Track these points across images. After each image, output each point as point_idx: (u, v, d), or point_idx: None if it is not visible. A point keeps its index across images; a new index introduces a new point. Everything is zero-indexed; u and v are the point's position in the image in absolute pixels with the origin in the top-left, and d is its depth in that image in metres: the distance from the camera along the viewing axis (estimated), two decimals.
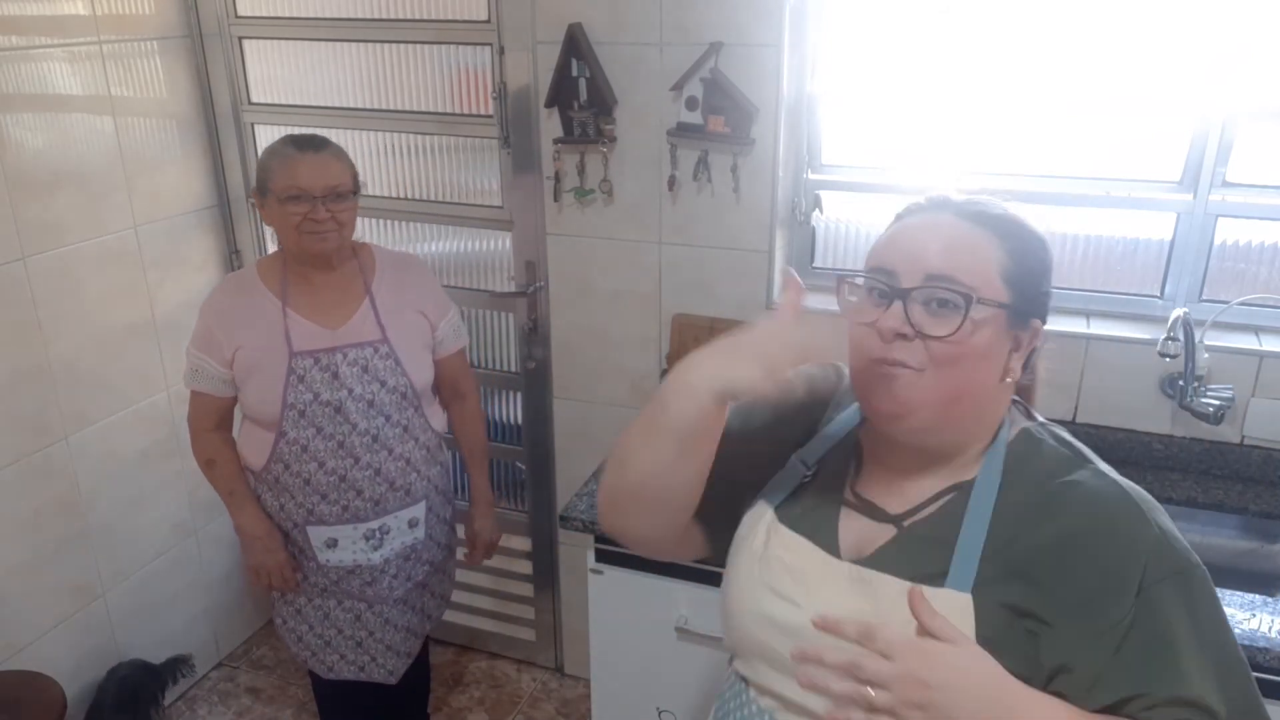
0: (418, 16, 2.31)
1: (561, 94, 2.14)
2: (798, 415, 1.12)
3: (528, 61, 2.17)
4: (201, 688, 2.74)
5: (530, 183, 2.28)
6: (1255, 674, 1.44)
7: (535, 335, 2.43)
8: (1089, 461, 0.99)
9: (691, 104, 2.05)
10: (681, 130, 2.08)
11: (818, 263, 2.25)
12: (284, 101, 2.54)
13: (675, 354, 2.25)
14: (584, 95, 2.12)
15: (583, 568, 1.93)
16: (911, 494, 1.02)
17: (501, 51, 2.21)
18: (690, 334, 2.21)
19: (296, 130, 2.04)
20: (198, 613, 2.72)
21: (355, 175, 1.89)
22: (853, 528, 1.03)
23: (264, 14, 2.46)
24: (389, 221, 2.55)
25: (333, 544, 1.98)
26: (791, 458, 1.10)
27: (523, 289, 2.39)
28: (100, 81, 2.26)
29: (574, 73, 2.10)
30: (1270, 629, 1.48)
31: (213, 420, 1.98)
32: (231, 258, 2.66)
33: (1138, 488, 0.98)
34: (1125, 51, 1.88)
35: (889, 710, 0.88)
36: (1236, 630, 1.46)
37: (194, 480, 2.63)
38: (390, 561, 2.01)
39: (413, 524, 2.02)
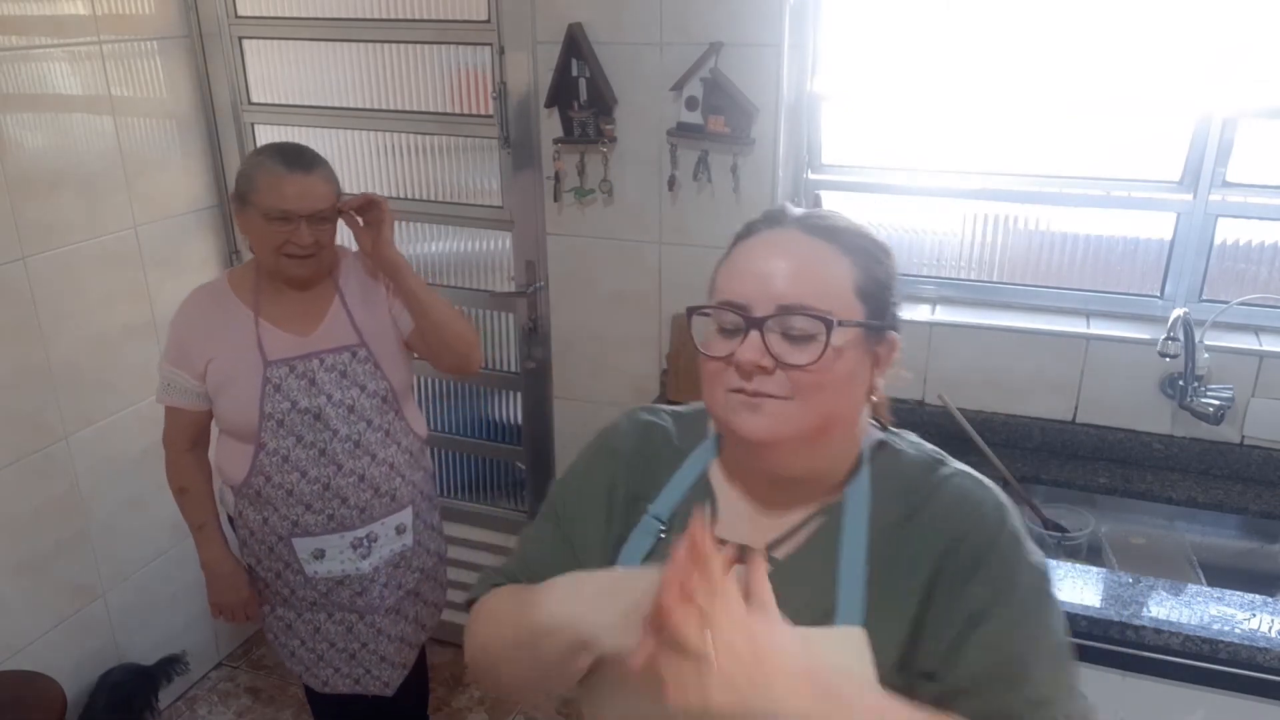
0: (418, 16, 2.31)
1: (561, 94, 2.14)
2: (638, 472, 1.05)
3: (528, 61, 2.17)
4: (201, 688, 2.74)
5: (530, 183, 2.28)
6: (1255, 674, 1.45)
7: (535, 335, 2.43)
8: (945, 463, 0.97)
9: (691, 104, 2.05)
10: (681, 130, 2.08)
11: None
12: (284, 101, 2.54)
13: (675, 354, 2.24)
14: (584, 95, 2.12)
15: None
16: (777, 525, 0.97)
17: (501, 51, 2.21)
18: (690, 334, 2.21)
19: (286, 136, 2.05)
20: (198, 613, 2.72)
21: (339, 194, 1.83)
22: None
23: (264, 14, 2.46)
24: None
25: (320, 555, 1.92)
26: (645, 517, 1.01)
27: (523, 289, 2.39)
28: (100, 81, 2.26)
29: (574, 73, 2.10)
30: (1270, 629, 1.48)
31: (188, 438, 1.94)
32: (231, 257, 2.66)
33: (994, 486, 0.97)
34: (1125, 51, 1.88)
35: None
36: (1236, 630, 1.46)
37: None
38: (380, 570, 1.96)
39: (400, 530, 1.98)
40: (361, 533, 1.92)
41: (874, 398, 0.96)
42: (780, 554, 0.96)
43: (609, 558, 1.03)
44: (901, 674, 0.90)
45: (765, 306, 0.89)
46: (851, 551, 0.92)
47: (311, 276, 1.83)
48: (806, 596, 0.91)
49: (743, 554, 0.89)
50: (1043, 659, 0.89)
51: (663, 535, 1.00)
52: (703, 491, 1.02)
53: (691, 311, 0.96)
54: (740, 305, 0.90)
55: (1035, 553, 0.93)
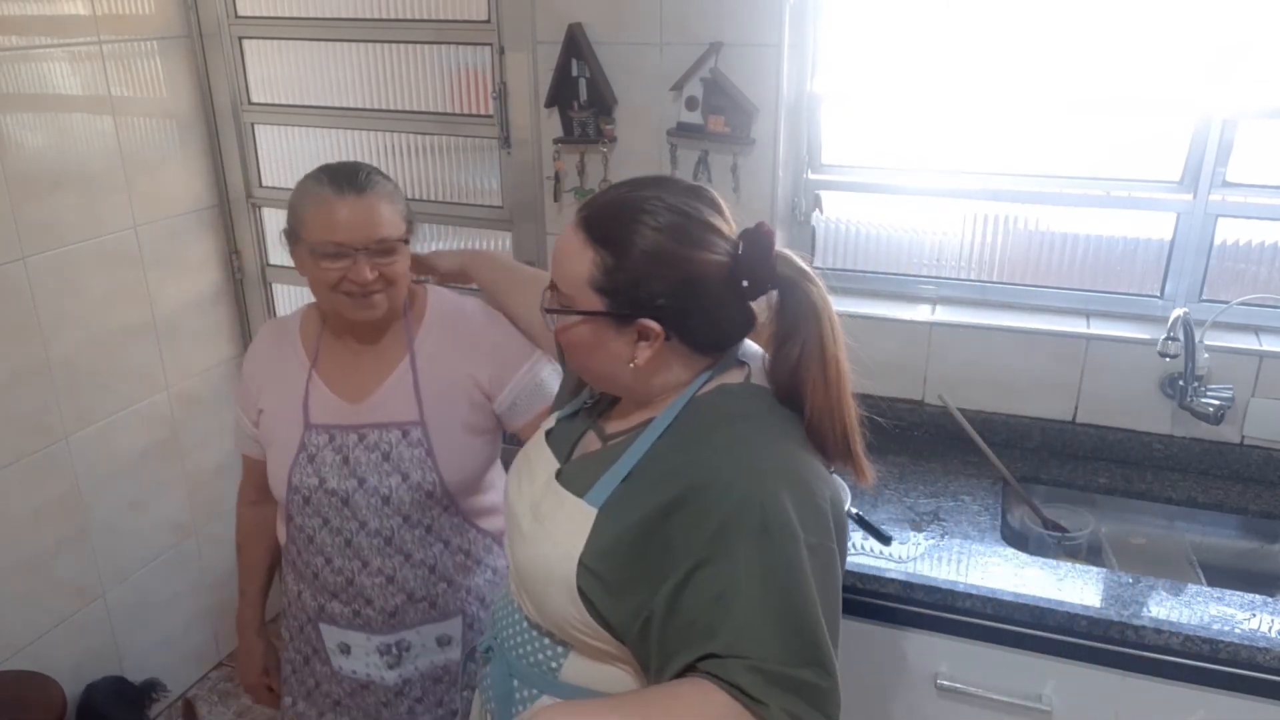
0: (418, 16, 2.31)
1: (561, 94, 2.14)
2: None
3: (528, 61, 2.17)
4: (201, 687, 2.74)
5: (530, 183, 2.28)
6: (1255, 674, 1.45)
7: None
8: (751, 420, 1.09)
9: (691, 104, 2.05)
10: (681, 130, 2.08)
11: (818, 262, 2.22)
12: (284, 101, 2.54)
13: None
14: (584, 95, 2.12)
15: None
16: (626, 421, 1.17)
17: (501, 51, 2.21)
18: None
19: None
20: (198, 612, 2.72)
21: (408, 218, 1.53)
22: (585, 444, 1.21)
23: (264, 14, 2.46)
24: None
25: (345, 649, 1.63)
26: (585, 388, 1.27)
27: None
28: (100, 81, 2.26)
29: (574, 73, 2.10)
30: (1270, 629, 1.48)
31: (252, 488, 1.73)
32: (232, 258, 2.66)
33: (778, 457, 1.06)
34: (1125, 51, 1.88)
35: None
36: (1236, 630, 1.46)
37: (194, 480, 2.64)
38: (412, 683, 1.62)
39: (444, 642, 1.63)
40: (390, 639, 1.60)
41: (633, 363, 1.10)
42: (611, 441, 1.17)
43: (556, 405, 1.33)
44: (614, 597, 1.05)
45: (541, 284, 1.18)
46: (630, 455, 1.10)
47: (380, 322, 1.53)
48: (594, 473, 1.12)
49: (600, 434, 1.21)
50: (750, 615, 0.96)
51: (586, 405, 1.27)
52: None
53: None
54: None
55: (784, 521, 0.99)
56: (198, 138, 2.54)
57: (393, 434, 1.52)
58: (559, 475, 1.18)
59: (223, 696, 2.71)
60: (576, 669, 1.15)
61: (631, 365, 1.10)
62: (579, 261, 1.08)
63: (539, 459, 1.23)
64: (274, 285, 2.73)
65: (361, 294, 1.45)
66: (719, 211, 1.14)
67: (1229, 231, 1.94)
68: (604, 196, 1.12)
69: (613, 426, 1.19)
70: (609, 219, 1.09)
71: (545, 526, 1.13)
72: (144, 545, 2.52)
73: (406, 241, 1.51)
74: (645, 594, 1.02)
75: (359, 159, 1.60)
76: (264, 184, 2.61)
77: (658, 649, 1.02)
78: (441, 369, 1.55)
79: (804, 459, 1.08)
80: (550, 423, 1.29)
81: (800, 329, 1.10)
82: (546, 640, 1.17)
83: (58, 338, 2.22)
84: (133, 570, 2.50)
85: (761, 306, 1.14)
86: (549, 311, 1.12)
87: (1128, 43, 1.87)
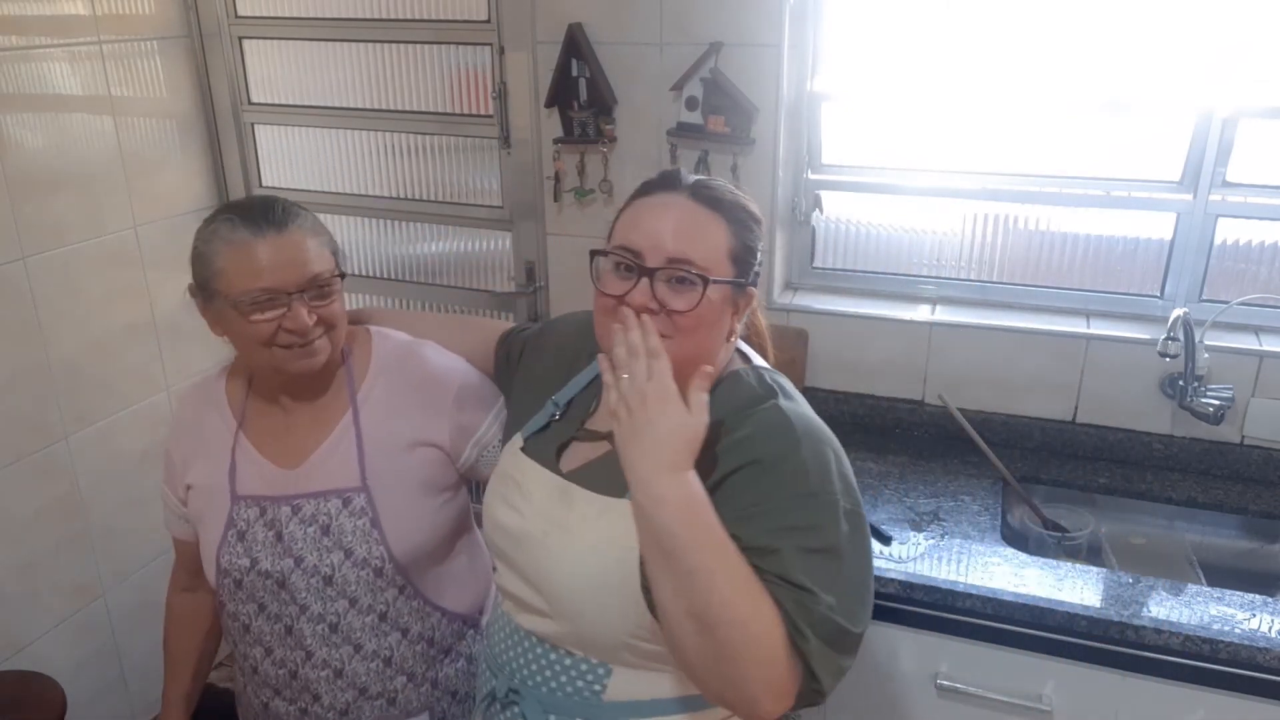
0: (418, 16, 2.31)
1: (561, 94, 2.14)
2: (560, 365, 1.31)
3: (528, 61, 2.17)
4: None
5: (530, 183, 2.28)
6: (1255, 674, 1.45)
7: None
8: (775, 399, 1.12)
9: (691, 104, 2.05)
10: (681, 130, 2.08)
11: (818, 262, 2.25)
12: (284, 101, 2.54)
13: None
14: (584, 95, 2.12)
15: None
16: None
17: (501, 51, 2.21)
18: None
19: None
20: None
21: (337, 250, 1.34)
22: (578, 451, 1.21)
23: (264, 14, 2.46)
24: (389, 222, 2.55)
25: None
26: (548, 401, 1.26)
27: (523, 289, 2.39)
28: (100, 81, 2.26)
29: (574, 73, 2.10)
30: (1270, 629, 1.48)
31: (184, 573, 1.53)
32: None
33: (812, 422, 1.11)
34: (1125, 51, 1.88)
35: (621, 395, 1.03)
36: (1236, 630, 1.46)
37: None
38: None
39: None
40: None
41: (731, 339, 1.16)
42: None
43: (520, 424, 1.28)
44: None
45: (656, 258, 1.08)
46: None
47: (321, 373, 1.33)
48: (619, 476, 1.07)
49: (594, 437, 1.20)
50: (787, 541, 1.01)
51: (555, 419, 1.25)
52: (594, 391, 1.25)
53: (594, 254, 1.14)
54: (636, 253, 1.09)
55: (821, 489, 1.05)
56: (198, 138, 2.54)
57: (332, 503, 1.31)
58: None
59: None
60: (621, 686, 1.14)
61: (731, 339, 1.15)
62: (715, 231, 1.10)
63: (528, 476, 1.20)
64: None
65: (301, 343, 1.26)
66: None
67: (1229, 231, 1.94)
68: (684, 174, 1.15)
69: (608, 425, 1.15)
70: (719, 191, 1.13)
71: (585, 536, 1.11)
72: (144, 545, 2.52)
73: (342, 276, 1.32)
74: None
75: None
76: (264, 184, 2.61)
77: None
78: (390, 424, 1.34)
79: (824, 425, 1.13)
80: (518, 442, 1.25)
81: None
82: (586, 665, 1.14)
83: (58, 338, 2.22)
84: (133, 570, 2.50)
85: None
86: (701, 283, 1.07)
87: (1128, 42, 1.87)
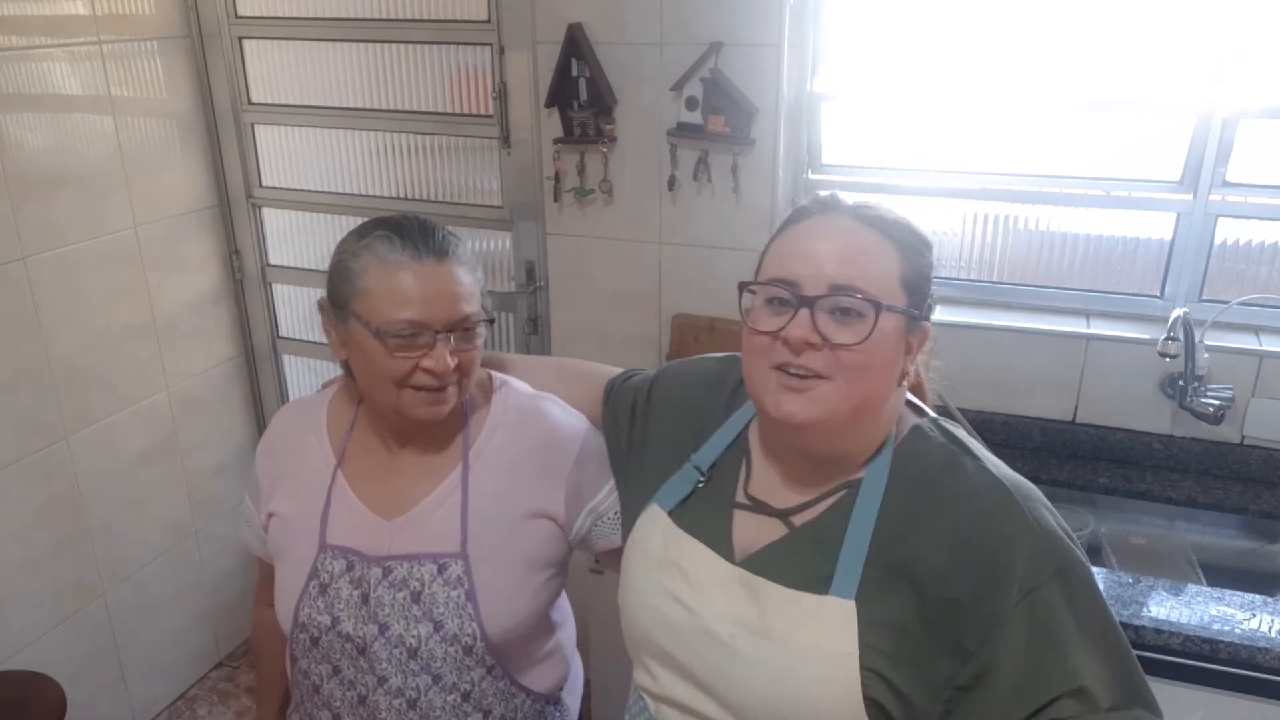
0: (418, 16, 2.31)
1: (561, 94, 2.14)
2: (689, 422, 1.14)
3: (528, 61, 2.17)
4: (201, 687, 2.74)
5: (530, 183, 2.28)
6: (1255, 674, 1.45)
7: (535, 335, 2.43)
8: (972, 456, 0.99)
9: (691, 104, 2.05)
10: (681, 130, 2.08)
11: None
12: (284, 101, 2.54)
13: (675, 354, 2.24)
14: (584, 95, 2.12)
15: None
16: (800, 494, 1.02)
17: (501, 51, 2.21)
18: (690, 334, 2.21)
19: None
20: (198, 613, 2.72)
21: (486, 292, 1.22)
22: (745, 527, 1.03)
23: (264, 14, 2.46)
24: None
25: None
26: (686, 464, 1.09)
27: (523, 289, 2.39)
28: (100, 81, 2.26)
29: (574, 73, 2.10)
30: (1270, 629, 1.48)
31: (268, 590, 1.35)
32: (232, 258, 2.66)
33: (1019, 480, 0.98)
34: (1126, 51, 1.88)
35: None
36: (1236, 630, 1.46)
37: (194, 480, 2.64)
38: None
39: None
40: None
41: (904, 383, 0.99)
42: (797, 520, 1.00)
43: (651, 490, 1.10)
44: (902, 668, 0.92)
45: (817, 286, 0.93)
46: (859, 528, 0.95)
47: (443, 423, 1.20)
48: (812, 563, 0.96)
49: (765, 511, 1.02)
50: (1079, 652, 0.90)
51: (700, 484, 1.07)
52: (740, 450, 1.08)
53: (742, 286, 1.00)
54: (792, 283, 0.94)
55: (1065, 550, 0.93)
56: (198, 138, 2.54)
57: (426, 568, 1.18)
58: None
59: (223, 696, 2.71)
60: None
61: (904, 383, 0.98)
62: (884, 255, 0.95)
63: (695, 562, 1.01)
64: (274, 285, 2.73)
65: (435, 387, 1.13)
66: None
67: (1229, 231, 1.94)
68: (843, 196, 1.00)
69: (782, 500, 1.02)
70: (884, 212, 0.98)
71: (792, 641, 0.93)
72: (144, 545, 2.52)
73: (491, 321, 1.19)
74: (948, 668, 0.92)
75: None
76: (264, 184, 2.61)
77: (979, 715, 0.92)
78: (501, 487, 1.21)
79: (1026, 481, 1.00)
80: (659, 515, 1.07)
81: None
82: None
83: (58, 338, 2.22)
84: (133, 570, 2.50)
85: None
86: (871, 312, 0.91)
87: (1128, 43, 1.87)
